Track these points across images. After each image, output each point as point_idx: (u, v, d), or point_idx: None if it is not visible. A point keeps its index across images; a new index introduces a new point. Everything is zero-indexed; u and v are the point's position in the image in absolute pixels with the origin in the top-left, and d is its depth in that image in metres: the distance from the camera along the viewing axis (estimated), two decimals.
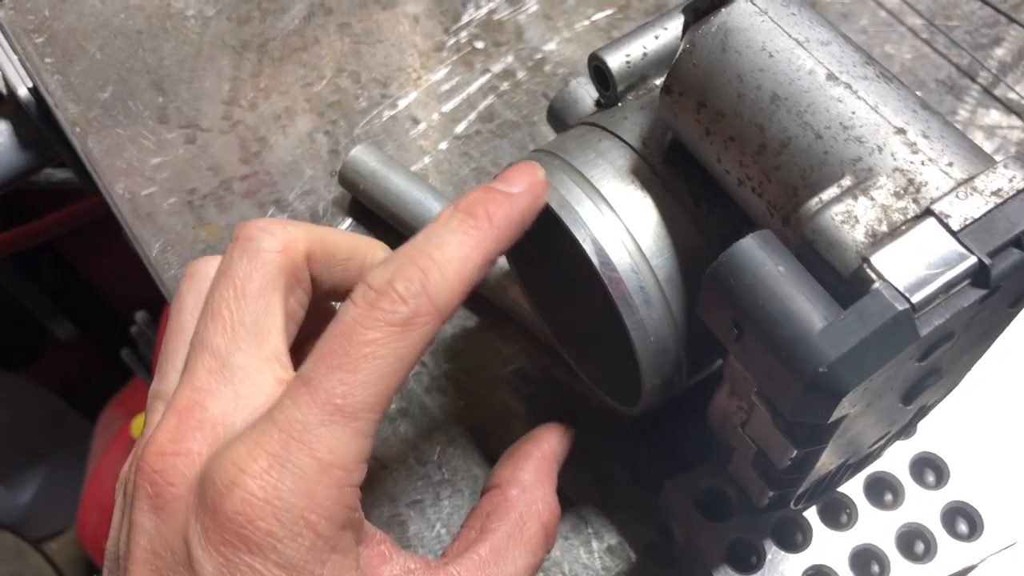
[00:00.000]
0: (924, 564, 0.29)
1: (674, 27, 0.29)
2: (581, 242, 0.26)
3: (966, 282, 0.20)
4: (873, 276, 0.19)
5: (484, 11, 0.45)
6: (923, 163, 0.21)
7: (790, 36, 0.23)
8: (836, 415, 0.20)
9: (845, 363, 0.19)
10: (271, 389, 0.23)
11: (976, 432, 0.34)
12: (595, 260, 0.26)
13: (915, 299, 0.19)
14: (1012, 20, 0.42)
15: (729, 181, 0.24)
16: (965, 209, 0.20)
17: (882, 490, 0.31)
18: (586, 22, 0.44)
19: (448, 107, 0.42)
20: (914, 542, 0.30)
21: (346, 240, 0.27)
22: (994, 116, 0.40)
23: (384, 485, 0.34)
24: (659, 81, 0.29)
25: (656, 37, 0.29)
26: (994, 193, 0.20)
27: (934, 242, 0.20)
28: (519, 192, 0.24)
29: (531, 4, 0.45)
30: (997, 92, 0.41)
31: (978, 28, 0.43)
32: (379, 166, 0.38)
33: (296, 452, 0.21)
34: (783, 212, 0.22)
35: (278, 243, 0.24)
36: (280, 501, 0.21)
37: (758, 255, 0.20)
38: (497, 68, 0.43)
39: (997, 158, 0.21)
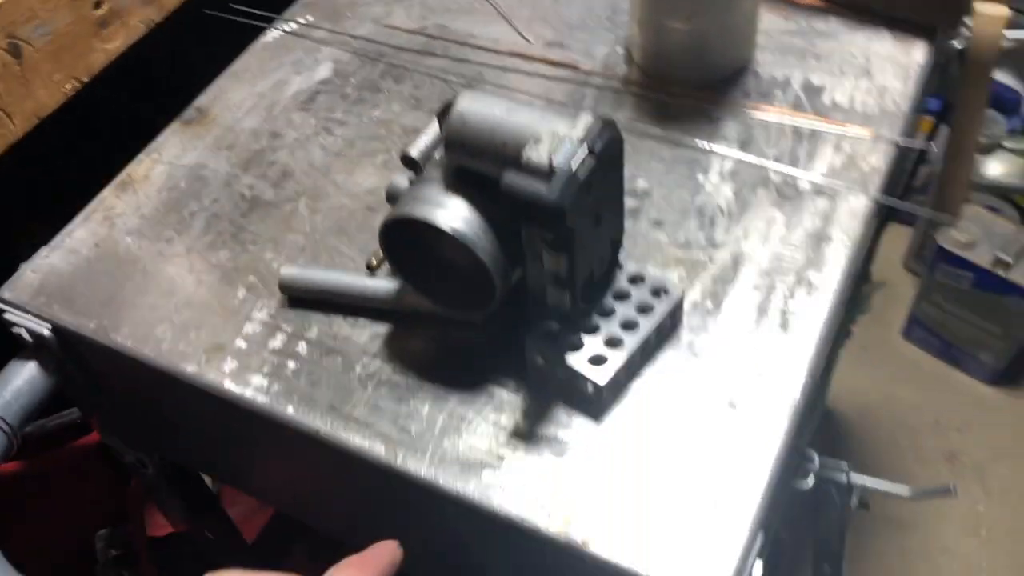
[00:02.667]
0: (651, 315, 0.60)
1: (432, 129, 0.60)
2: (440, 225, 0.56)
3: (587, 155, 0.51)
4: (555, 168, 0.51)
5: (311, 182, 0.74)
6: (556, 125, 0.53)
7: (487, 105, 0.55)
8: (570, 222, 0.50)
9: (560, 196, 0.49)
10: None
11: (651, 260, 0.66)
12: (448, 230, 0.55)
13: (573, 167, 0.50)
14: (585, 85, 0.78)
15: (488, 170, 0.55)
16: (576, 132, 0.52)
17: (621, 295, 0.61)
18: (391, 155, 0.75)
19: None
20: (643, 309, 0.61)
21: None
22: None
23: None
24: (437, 154, 0.60)
25: (426, 135, 0.60)
26: (584, 124, 0.52)
27: (571, 148, 0.51)
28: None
29: (337, 168, 0.75)
30: None
31: (571, 94, 0.78)
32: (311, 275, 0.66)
33: None
34: (511, 167, 0.53)
35: None
36: None
37: (512, 178, 0.51)
38: (336, 205, 0.73)
39: (584, 114, 0.53)
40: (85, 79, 0.81)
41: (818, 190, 0.69)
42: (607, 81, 0.78)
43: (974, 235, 1.59)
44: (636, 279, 0.62)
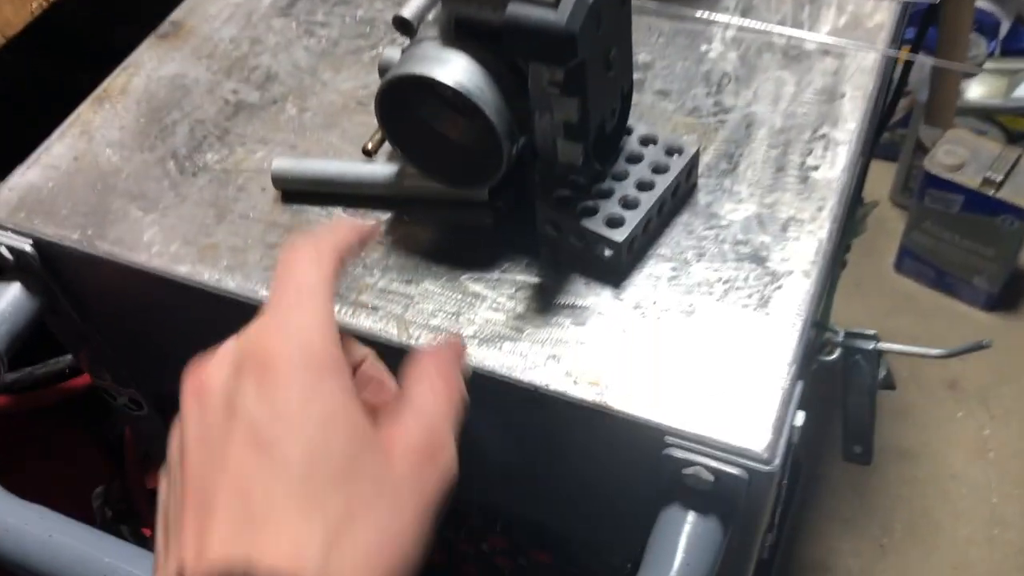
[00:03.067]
0: (667, 174, 0.57)
1: None
2: (442, 80, 0.52)
3: None
4: None
5: (297, 83, 0.71)
6: None
7: None
8: (581, 52, 0.48)
9: (569, 21, 0.46)
10: None
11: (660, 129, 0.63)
12: (451, 84, 0.52)
13: None
14: None
15: (488, 15, 0.52)
16: None
17: (633, 157, 0.58)
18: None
19: None
20: (658, 169, 0.58)
21: None
22: None
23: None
24: (431, 15, 0.56)
25: None
26: None
27: None
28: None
29: (323, 68, 0.72)
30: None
31: None
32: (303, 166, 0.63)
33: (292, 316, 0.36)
34: None
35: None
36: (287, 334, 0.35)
37: (517, 8, 0.48)
38: (323, 105, 0.69)
39: None
40: None
41: (825, 50, 0.66)
42: None
43: (961, 157, 1.57)
44: (648, 140, 0.59)
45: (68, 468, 0.99)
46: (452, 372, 0.41)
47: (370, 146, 0.63)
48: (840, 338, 0.64)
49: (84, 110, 0.72)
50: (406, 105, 0.56)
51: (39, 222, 0.65)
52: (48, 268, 0.65)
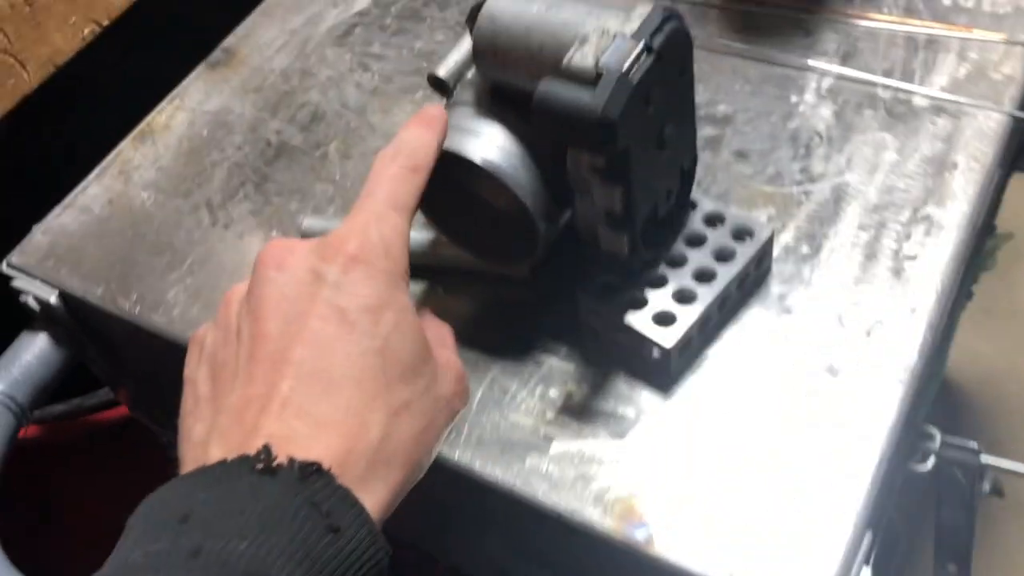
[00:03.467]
0: (732, 263, 0.49)
1: (464, 42, 0.50)
2: (470, 157, 0.46)
3: (644, 54, 0.41)
4: (601, 70, 0.40)
5: (344, 124, 0.66)
6: (605, 20, 0.42)
7: (521, 2, 0.45)
8: (621, 141, 0.40)
9: (607, 106, 0.39)
10: None
11: (733, 198, 0.55)
12: (480, 162, 0.46)
13: (624, 68, 0.40)
14: None
15: (526, 85, 0.45)
16: (630, 27, 0.41)
17: (695, 239, 0.50)
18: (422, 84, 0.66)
19: None
20: (723, 256, 0.50)
21: None
22: None
23: None
24: (470, 73, 0.50)
25: (458, 50, 0.50)
26: (639, 16, 0.42)
27: (624, 46, 0.41)
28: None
29: (372, 107, 0.66)
30: None
31: None
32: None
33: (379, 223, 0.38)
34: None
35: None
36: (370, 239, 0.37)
37: (548, 86, 0.41)
38: (368, 151, 0.64)
39: (641, 3, 0.43)
40: (105, 22, 0.74)
41: (938, 108, 0.57)
42: None
43: None
44: (714, 219, 0.51)
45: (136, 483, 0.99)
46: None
47: None
48: (935, 445, 0.55)
49: (126, 146, 0.68)
50: (438, 173, 0.50)
51: (66, 272, 0.61)
52: (75, 318, 0.62)
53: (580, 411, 0.49)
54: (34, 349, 0.62)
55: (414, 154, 0.41)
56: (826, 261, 0.51)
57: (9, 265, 0.63)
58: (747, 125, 0.58)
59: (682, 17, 0.43)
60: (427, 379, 0.37)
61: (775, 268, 0.52)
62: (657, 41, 0.41)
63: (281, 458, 0.31)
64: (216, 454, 0.33)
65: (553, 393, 0.50)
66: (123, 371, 0.69)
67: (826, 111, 0.58)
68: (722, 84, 0.61)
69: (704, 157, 0.57)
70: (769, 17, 0.64)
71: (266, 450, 0.31)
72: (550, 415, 0.49)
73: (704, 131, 0.58)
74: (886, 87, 0.58)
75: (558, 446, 0.48)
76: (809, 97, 0.59)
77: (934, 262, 0.50)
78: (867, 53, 0.60)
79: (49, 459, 0.81)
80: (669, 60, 0.42)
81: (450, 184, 0.50)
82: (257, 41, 0.73)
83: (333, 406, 0.33)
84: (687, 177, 0.49)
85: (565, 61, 0.42)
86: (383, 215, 0.38)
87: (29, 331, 0.63)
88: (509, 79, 0.46)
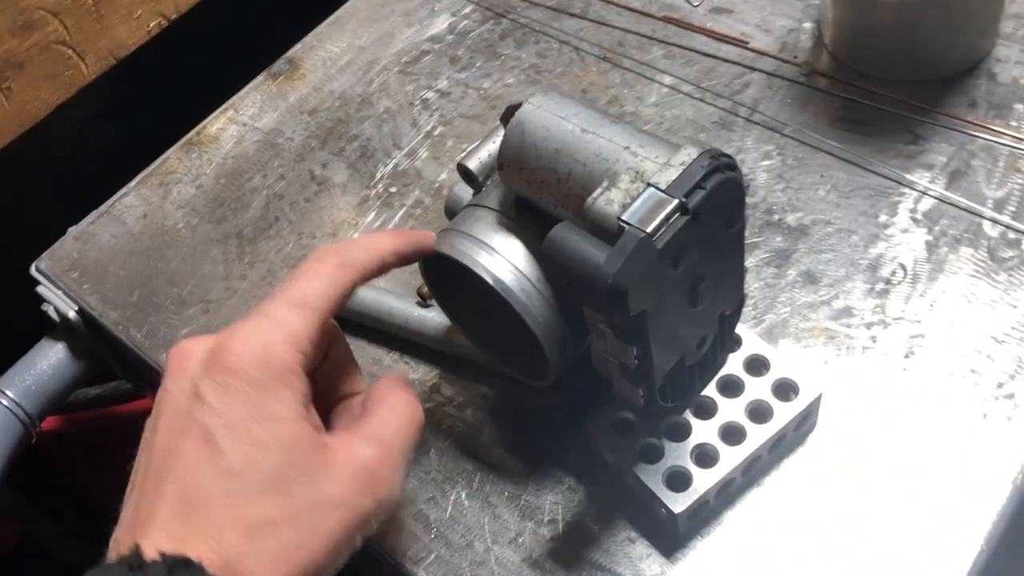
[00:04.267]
0: (767, 424, 0.43)
1: (499, 136, 0.45)
2: (480, 274, 0.41)
3: (677, 214, 0.35)
4: (625, 226, 0.34)
5: (391, 167, 0.61)
6: (642, 160, 0.36)
7: (557, 116, 0.39)
8: (635, 308, 0.35)
9: (620, 273, 0.33)
10: None
11: (777, 336, 0.48)
12: (491, 281, 0.41)
13: (649, 229, 0.34)
14: (753, 69, 0.59)
15: (550, 208, 0.40)
16: (667, 176, 0.35)
17: (730, 386, 0.45)
18: (463, 154, 0.61)
19: None
20: (758, 413, 0.44)
21: None
22: (755, 135, 0.57)
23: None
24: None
25: (493, 142, 0.44)
26: (681, 164, 0.36)
27: (655, 199, 0.35)
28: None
29: (423, 153, 0.61)
30: (755, 119, 0.57)
31: (730, 81, 0.60)
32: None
33: (266, 326, 0.36)
34: (577, 211, 0.37)
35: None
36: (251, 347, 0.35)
37: (563, 233, 0.35)
38: (409, 201, 0.59)
39: (688, 147, 0.37)
40: (173, 16, 0.71)
41: None
42: (782, 67, 0.59)
43: None
44: (757, 365, 0.45)
45: None
46: (412, 392, 0.40)
47: (425, 290, 0.53)
48: None
49: (171, 155, 0.65)
50: (454, 273, 0.45)
51: (88, 289, 0.59)
52: (94, 335, 0.60)
53: (571, 559, 0.44)
54: (51, 359, 0.61)
55: (350, 251, 0.39)
56: (883, 427, 0.45)
57: (37, 270, 0.61)
58: (823, 242, 0.51)
59: (736, 166, 0.36)
60: (302, 486, 0.35)
61: (824, 427, 0.45)
62: (695, 200, 0.35)
63: (152, 554, 0.32)
64: (111, 555, 0.34)
65: (546, 532, 0.45)
66: (145, 382, 0.67)
67: (918, 240, 0.50)
68: (804, 186, 0.54)
69: (766, 273, 0.50)
70: (876, 112, 0.56)
71: (136, 549, 0.32)
72: (538, 552, 0.44)
73: (775, 241, 0.52)
74: (995, 222, 0.50)
75: None
76: (901, 219, 0.51)
77: (1014, 445, 0.43)
78: (981, 174, 0.52)
79: (72, 450, 0.81)
80: (710, 218, 0.36)
81: (465, 287, 0.45)
82: (323, 55, 0.69)
83: (195, 529, 0.34)
84: (728, 322, 0.43)
85: (589, 201, 0.36)
86: (281, 318, 0.37)
87: (49, 338, 0.61)
88: (531, 197, 0.41)
